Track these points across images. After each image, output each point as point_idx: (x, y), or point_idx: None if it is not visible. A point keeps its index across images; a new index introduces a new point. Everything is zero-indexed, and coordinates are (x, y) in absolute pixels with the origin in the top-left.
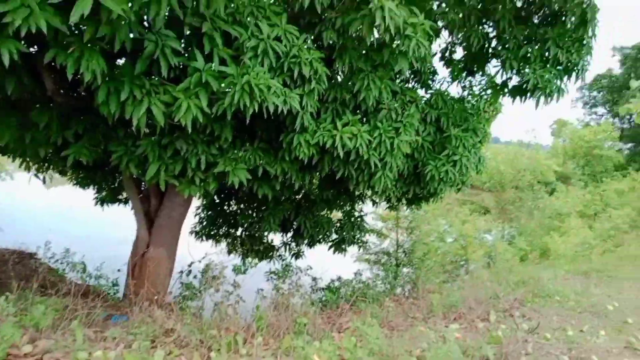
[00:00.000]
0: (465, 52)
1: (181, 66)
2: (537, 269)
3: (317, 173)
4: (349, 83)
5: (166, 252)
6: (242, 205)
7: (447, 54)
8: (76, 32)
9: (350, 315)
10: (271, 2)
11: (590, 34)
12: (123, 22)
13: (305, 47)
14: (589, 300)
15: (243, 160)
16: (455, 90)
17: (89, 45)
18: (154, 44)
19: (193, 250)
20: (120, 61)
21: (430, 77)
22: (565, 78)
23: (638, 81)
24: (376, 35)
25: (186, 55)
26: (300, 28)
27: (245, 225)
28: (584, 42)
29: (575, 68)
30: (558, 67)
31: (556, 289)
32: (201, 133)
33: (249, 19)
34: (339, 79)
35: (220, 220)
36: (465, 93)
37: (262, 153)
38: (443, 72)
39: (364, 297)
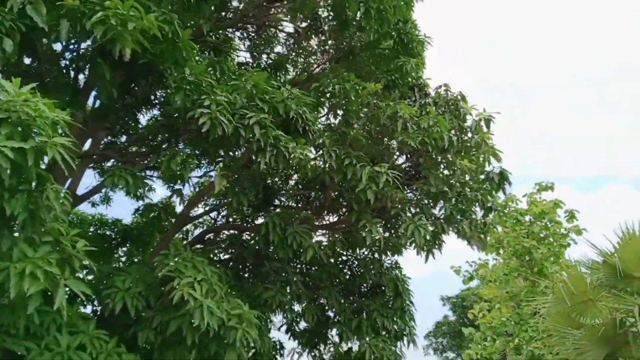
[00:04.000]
0: (308, 325)
1: None
2: None
3: None
4: None
5: None
6: None
7: (293, 326)
8: None
9: None
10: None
11: (407, 301)
12: None
13: (116, 351)
14: None
15: None
16: None
17: None
18: None
19: None
20: None
21: (277, 352)
22: (398, 344)
23: (468, 328)
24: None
25: None
26: (113, 330)
27: None
28: (405, 309)
29: (404, 334)
30: (389, 335)
31: None
32: None
33: (49, 329)
34: None
35: None
36: None
37: None
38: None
39: None
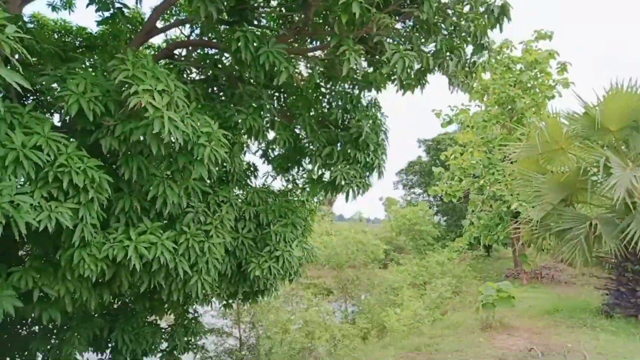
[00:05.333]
0: (281, 151)
1: None
2: (376, 347)
3: (118, 288)
4: (143, 190)
5: None
6: (39, 327)
7: (268, 152)
8: None
9: None
10: (29, 109)
11: (381, 138)
12: None
13: (77, 154)
14: None
15: (10, 285)
16: (280, 184)
17: None
18: None
19: None
20: None
21: (251, 174)
22: (367, 174)
23: (438, 168)
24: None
25: None
26: (73, 134)
27: (46, 349)
28: (379, 143)
29: (374, 166)
30: (360, 166)
31: None
32: None
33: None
34: (129, 186)
35: (16, 344)
36: (290, 186)
37: (36, 273)
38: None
39: None
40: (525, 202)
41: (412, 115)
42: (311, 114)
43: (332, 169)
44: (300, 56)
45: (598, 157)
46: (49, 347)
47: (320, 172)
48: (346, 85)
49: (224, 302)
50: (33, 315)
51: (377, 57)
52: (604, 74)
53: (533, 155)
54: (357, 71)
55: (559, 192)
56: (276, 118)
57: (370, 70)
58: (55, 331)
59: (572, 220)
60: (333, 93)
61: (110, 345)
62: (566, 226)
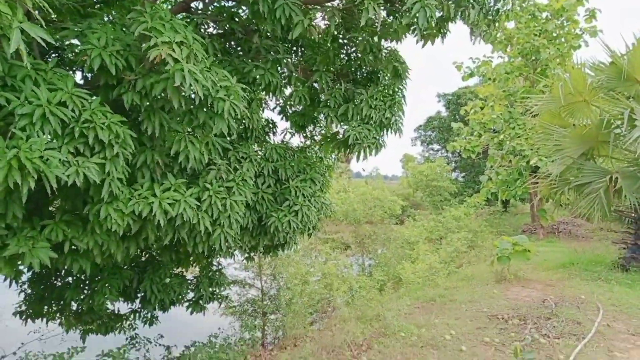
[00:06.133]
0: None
1: None
2: (392, 298)
3: (144, 241)
4: (165, 146)
5: None
6: (72, 278)
7: (286, 108)
8: None
9: None
10: (52, 65)
11: (400, 93)
12: None
13: (101, 110)
14: (430, 333)
15: (44, 238)
16: (299, 140)
17: None
18: None
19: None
20: None
21: (270, 130)
22: (382, 133)
23: (457, 123)
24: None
25: None
26: (95, 90)
27: (79, 299)
28: (396, 100)
29: (389, 124)
30: (375, 125)
31: (401, 325)
32: None
33: (25, 83)
34: (152, 142)
35: (52, 295)
36: (308, 142)
37: (66, 226)
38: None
39: None
40: (545, 157)
41: (432, 69)
42: (329, 68)
43: (345, 127)
44: (318, 7)
45: (623, 109)
46: (82, 296)
47: (335, 129)
48: (365, 36)
49: (246, 255)
50: (65, 266)
51: (397, 5)
52: (629, 25)
53: (555, 108)
54: (376, 21)
55: (580, 145)
56: (294, 73)
57: (390, 19)
58: (87, 282)
59: (592, 174)
60: (352, 45)
61: (139, 295)
62: (586, 180)
